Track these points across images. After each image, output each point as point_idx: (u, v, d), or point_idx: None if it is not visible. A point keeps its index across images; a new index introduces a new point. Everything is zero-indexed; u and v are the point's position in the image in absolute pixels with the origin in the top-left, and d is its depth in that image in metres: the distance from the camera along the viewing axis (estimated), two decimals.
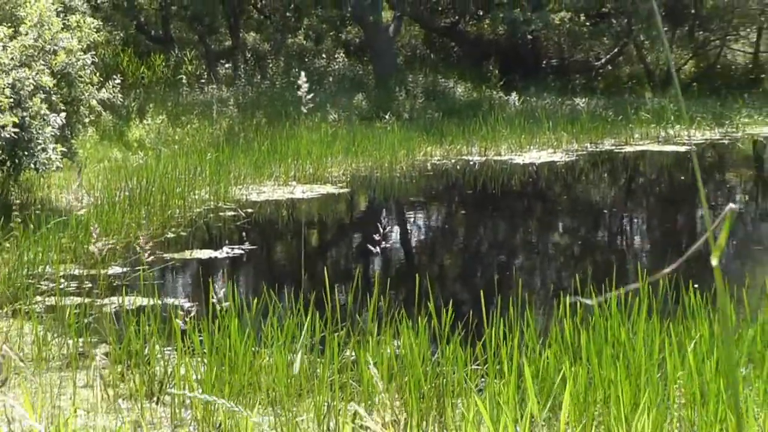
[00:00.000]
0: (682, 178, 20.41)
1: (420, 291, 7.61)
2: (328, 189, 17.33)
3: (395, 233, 14.89)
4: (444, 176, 19.68)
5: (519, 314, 7.19)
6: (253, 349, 7.00)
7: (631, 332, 6.93)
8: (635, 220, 16.19)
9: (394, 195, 17.94)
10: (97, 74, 15.77)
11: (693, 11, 34.75)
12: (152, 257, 9.52)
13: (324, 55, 33.61)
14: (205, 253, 12.35)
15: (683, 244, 14.00)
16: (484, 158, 21.50)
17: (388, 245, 13.21)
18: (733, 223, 1.67)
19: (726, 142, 24.58)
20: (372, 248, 7.83)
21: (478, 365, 6.94)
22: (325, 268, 7.98)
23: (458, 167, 20.54)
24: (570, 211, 16.98)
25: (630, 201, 17.82)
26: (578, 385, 6.13)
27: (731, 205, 1.69)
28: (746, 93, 31.66)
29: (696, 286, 8.69)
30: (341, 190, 17.37)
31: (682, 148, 23.13)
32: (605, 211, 16.73)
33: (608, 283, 7.69)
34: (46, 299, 9.58)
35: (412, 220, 16.46)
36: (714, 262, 1.72)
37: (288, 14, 32.32)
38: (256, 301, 7.57)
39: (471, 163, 21.03)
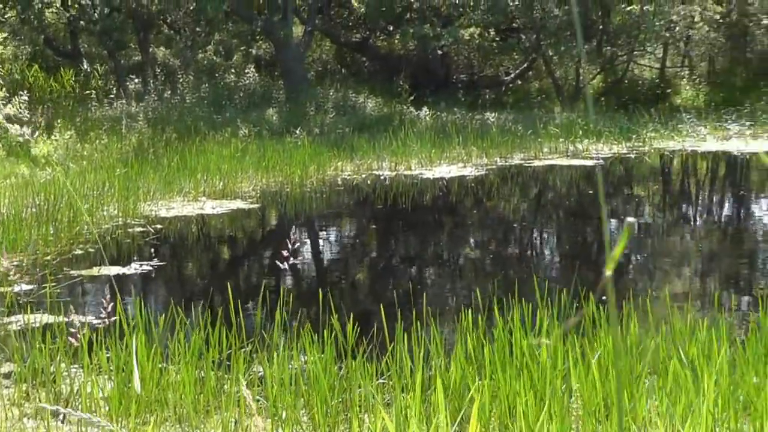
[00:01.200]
0: (590, 191, 20.67)
1: (326, 306, 7.63)
2: (238, 204, 17.28)
3: (304, 248, 14.88)
4: (354, 191, 19.71)
5: (425, 327, 7.23)
6: (160, 365, 6.96)
7: (535, 344, 6.99)
8: (543, 234, 16.34)
9: (305, 210, 17.92)
10: (3, 89, 15.62)
11: (601, 27, 35.26)
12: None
13: (234, 70, 33.54)
14: (113, 270, 12.23)
15: (590, 256, 14.16)
16: (394, 173, 21.58)
17: (296, 260, 13.20)
18: (630, 236, 1.71)
19: (633, 156, 24.92)
20: (280, 264, 7.82)
21: (384, 379, 6.96)
22: (234, 284, 7.96)
23: (369, 182, 20.59)
24: (479, 226, 17.09)
25: (538, 215, 17.99)
26: (483, 397, 6.18)
27: (629, 219, 1.73)
28: (653, 108, 32.21)
29: (604, 297, 8.82)
30: (251, 206, 17.32)
31: (590, 162, 23.42)
32: (514, 225, 16.87)
33: (511, 297, 7.76)
34: None
35: (321, 235, 16.46)
36: (608, 272, 1.74)
37: (198, 29, 32.21)
38: (163, 317, 7.53)
39: (381, 177, 21.09)
